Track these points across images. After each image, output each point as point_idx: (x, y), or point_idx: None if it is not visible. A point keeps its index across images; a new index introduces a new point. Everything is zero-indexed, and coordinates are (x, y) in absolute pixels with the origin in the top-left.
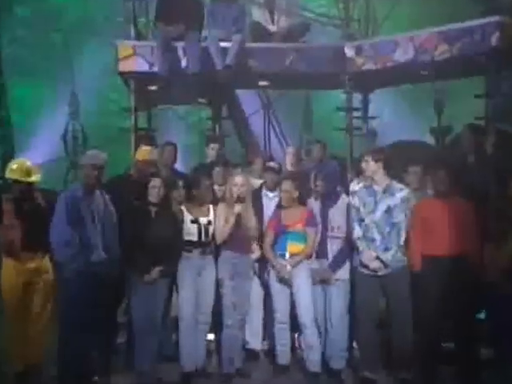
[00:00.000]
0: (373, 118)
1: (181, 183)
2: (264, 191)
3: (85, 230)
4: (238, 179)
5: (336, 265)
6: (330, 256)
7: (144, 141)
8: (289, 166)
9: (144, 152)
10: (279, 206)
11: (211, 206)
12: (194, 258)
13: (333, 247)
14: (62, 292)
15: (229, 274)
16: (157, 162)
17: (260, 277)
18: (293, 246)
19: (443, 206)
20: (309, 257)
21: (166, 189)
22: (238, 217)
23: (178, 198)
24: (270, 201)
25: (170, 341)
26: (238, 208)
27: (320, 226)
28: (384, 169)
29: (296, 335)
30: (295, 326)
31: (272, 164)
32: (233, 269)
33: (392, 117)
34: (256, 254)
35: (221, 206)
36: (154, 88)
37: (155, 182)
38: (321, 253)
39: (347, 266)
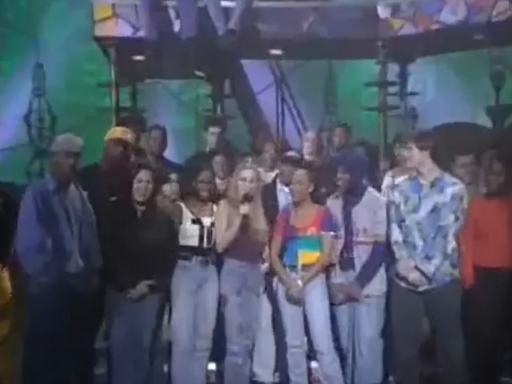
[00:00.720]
0: (413, 94)
1: (174, 176)
2: (280, 186)
3: (58, 232)
4: (247, 173)
5: (365, 277)
6: (358, 266)
7: (128, 123)
8: (307, 155)
9: (117, 130)
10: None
11: (215, 205)
12: (194, 268)
13: (360, 255)
14: (29, 311)
15: (234, 288)
16: (141, 150)
17: (268, 291)
18: (305, 255)
19: (498, 205)
20: (325, 268)
21: (156, 183)
22: (245, 219)
23: (169, 193)
24: (287, 198)
25: (161, 372)
26: (244, 208)
27: (343, 230)
28: (432, 159)
29: (314, 363)
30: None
31: (291, 154)
32: (239, 282)
33: (437, 93)
34: (266, 265)
35: (222, 205)
36: (139, 58)
37: (142, 175)
38: (346, 263)
39: (381, 277)
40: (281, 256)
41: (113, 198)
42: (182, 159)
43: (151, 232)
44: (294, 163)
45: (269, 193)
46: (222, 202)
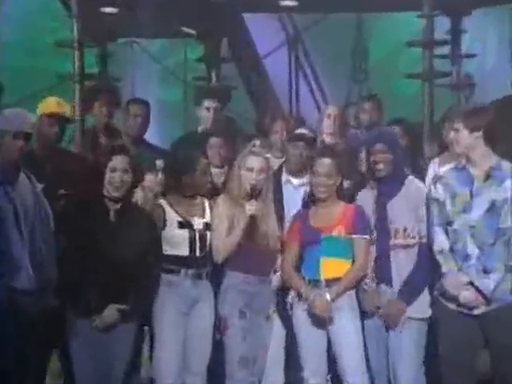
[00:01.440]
0: (468, 57)
1: (158, 164)
2: (286, 177)
3: (3, 235)
4: (254, 161)
5: (410, 293)
6: (397, 279)
7: (97, 95)
8: (327, 137)
9: (50, 102)
10: (307, 201)
11: (207, 202)
12: (182, 283)
13: (399, 263)
14: None
15: (237, 309)
16: (115, 130)
17: (280, 311)
18: (330, 265)
19: None
20: (358, 283)
21: (135, 174)
22: (252, 220)
23: (151, 187)
24: (295, 192)
25: None
26: (251, 207)
27: (375, 230)
28: (486, 142)
29: None
30: None
31: (301, 131)
32: (243, 301)
33: (499, 56)
34: (278, 279)
35: (221, 202)
36: (109, 10)
37: (117, 163)
38: (381, 274)
39: (423, 295)
40: (297, 268)
41: (61, 192)
42: (167, 143)
43: (128, 239)
44: (304, 143)
45: (272, 185)
46: (221, 199)
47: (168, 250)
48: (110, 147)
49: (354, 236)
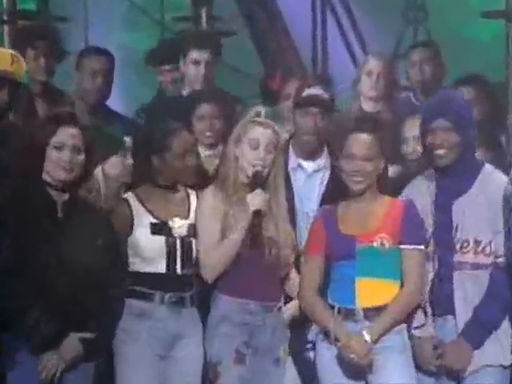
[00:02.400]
0: None
1: (127, 140)
2: (294, 159)
3: None
4: (259, 134)
5: (480, 331)
6: (462, 311)
7: (32, 41)
8: (367, 102)
9: (1, 57)
10: (332, 195)
11: (193, 196)
12: (157, 314)
13: (466, 289)
14: None
15: (233, 350)
16: (60, 93)
17: (296, 355)
18: (370, 288)
19: None
20: (410, 313)
21: (92, 154)
22: (256, 220)
23: (116, 174)
24: (308, 182)
25: None
26: (256, 200)
27: (432, 241)
28: None
29: None
30: None
31: (313, 91)
32: (243, 338)
33: None
34: (293, 307)
35: (212, 194)
36: None
37: (64, 137)
38: (439, 302)
39: (504, 333)
40: (322, 292)
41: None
42: (135, 110)
43: (81, 240)
44: (318, 105)
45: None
46: (211, 190)
47: (137, 265)
48: (53, 116)
49: (403, 247)
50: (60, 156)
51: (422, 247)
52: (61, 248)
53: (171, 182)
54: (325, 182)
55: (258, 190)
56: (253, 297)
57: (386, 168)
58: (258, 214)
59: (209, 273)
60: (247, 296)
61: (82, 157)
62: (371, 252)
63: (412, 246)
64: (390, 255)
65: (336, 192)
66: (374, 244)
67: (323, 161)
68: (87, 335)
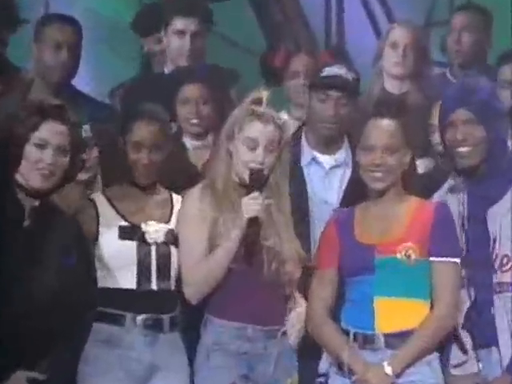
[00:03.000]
0: None
1: (86, 129)
2: (309, 152)
3: None
4: (258, 130)
5: None
6: (506, 341)
7: None
8: (391, 80)
9: None
10: (354, 198)
11: (177, 199)
12: (128, 340)
13: (507, 313)
14: None
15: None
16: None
17: None
18: (392, 310)
19: None
20: (441, 340)
21: (77, 153)
22: (253, 228)
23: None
24: (325, 179)
25: None
26: (252, 205)
27: (468, 258)
28: None
29: None
30: None
31: (333, 70)
32: (238, 370)
33: None
34: (298, 332)
35: (198, 195)
36: None
37: (48, 134)
38: (476, 330)
39: None
40: (334, 314)
41: None
42: (111, 92)
43: (48, 256)
44: (343, 93)
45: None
46: (198, 190)
47: (104, 280)
48: (37, 106)
49: (433, 259)
50: (41, 156)
51: (457, 260)
52: (22, 263)
53: (146, 180)
54: (345, 182)
55: (255, 194)
56: (251, 320)
57: (413, 162)
58: (254, 222)
59: (192, 292)
60: (244, 319)
61: (66, 159)
62: (394, 265)
63: (444, 259)
64: (418, 269)
65: (359, 194)
66: (398, 255)
67: (343, 155)
68: (37, 376)
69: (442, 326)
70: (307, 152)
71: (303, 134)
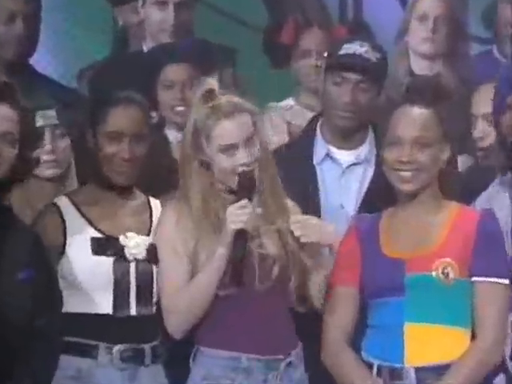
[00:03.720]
0: None
1: (50, 115)
2: (323, 146)
3: None
4: (230, 132)
5: None
6: None
7: None
8: (418, 62)
9: None
10: (377, 201)
11: (156, 204)
12: (103, 376)
13: None
14: None
15: None
16: None
17: None
18: (425, 338)
19: None
20: (484, 376)
21: (26, 144)
22: (242, 240)
23: (45, 169)
24: (342, 179)
25: None
26: (238, 216)
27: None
28: None
29: None
30: None
31: (351, 47)
32: None
33: None
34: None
35: (174, 205)
36: None
37: None
38: None
39: None
40: (354, 343)
41: None
42: (79, 75)
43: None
44: (364, 76)
45: (297, 165)
46: (172, 209)
47: (71, 303)
48: None
49: (476, 279)
50: None
51: (505, 282)
52: None
53: (122, 181)
54: (366, 183)
55: (243, 202)
56: (245, 348)
57: (453, 160)
58: (241, 235)
59: (175, 325)
60: (237, 347)
61: (13, 150)
62: (428, 285)
63: (490, 279)
64: (457, 291)
65: (383, 198)
66: (433, 273)
67: (365, 151)
68: None
69: (487, 360)
70: (321, 147)
71: (318, 125)
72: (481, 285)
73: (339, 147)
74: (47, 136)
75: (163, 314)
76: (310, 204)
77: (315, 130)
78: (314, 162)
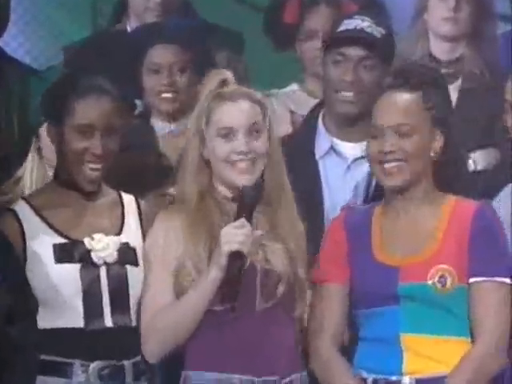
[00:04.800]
0: None
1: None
2: (326, 138)
3: None
4: (232, 115)
5: None
6: None
7: None
8: (438, 45)
9: None
10: (377, 200)
11: (129, 201)
12: None
13: None
14: None
15: None
16: None
17: None
18: (422, 349)
19: None
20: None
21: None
22: (238, 261)
23: None
24: (347, 175)
25: None
26: (235, 237)
27: None
28: None
29: None
30: None
31: (352, 22)
32: None
33: None
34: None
35: (168, 222)
36: None
37: None
38: None
39: None
40: (348, 355)
41: None
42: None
43: None
44: (369, 54)
45: (298, 161)
46: (168, 214)
47: (42, 318)
48: None
49: (473, 280)
50: None
51: (506, 280)
52: None
53: (95, 179)
54: (374, 180)
55: (240, 221)
56: (238, 369)
57: (451, 148)
58: (237, 256)
59: (151, 346)
60: (229, 368)
61: None
62: (424, 294)
63: (487, 278)
64: (455, 298)
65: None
66: (429, 282)
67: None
68: None
69: (487, 365)
70: (324, 139)
71: (320, 115)
72: (478, 285)
73: (344, 139)
74: None
75: (141, 333)
76: (312, 202)
77: (317, 120)
78: (317, 157)
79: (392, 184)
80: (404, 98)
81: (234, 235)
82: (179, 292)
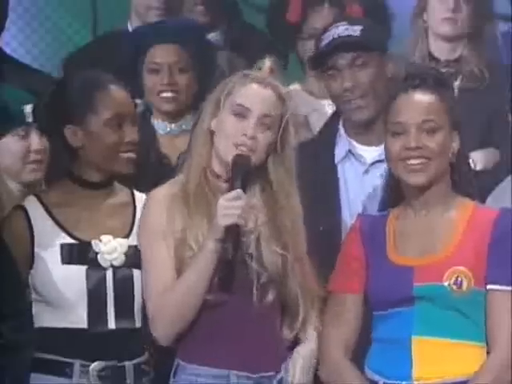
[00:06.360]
0: None
1: (28, 111)
2: (345, 141)
3: None
4: (253, 94)
5: None
6: None
7: None
8: (438, 45)
9: None
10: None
11: (138, 198)
12: None
13: None
14: None
15: None
16: None
17: None
18: (435, 353)
19: None
20: None
21: None
22: (234, 237)
23: (9, 165)
24: (365, 179)
25: None
26: (230, 209)
27: None
28: None
29: None
30: None
31: (341, 29)
32: None
33: None
34: (296, 379)
35: (163, 195)
36: None
37: None
38: None
39: None
40: (357, 358)
41: None
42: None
43: None
44: (357, 54)
45: (317, 165)
46: (164, 193)
47: (42, 317)
48: None
49: (491, 287)
50: None
51: None
52: None
53: (102, 174)
54: (392, 183)
55: (236, 192)
56: (234, 365)
57: (464, 155)
58: (232, 231)
59: (160, 329)
60: (225, 364)
61: None
62: (439, 296)
63: (506, 288)
64: (471, 302)
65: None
66: (445, 283)
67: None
68: None
69: (502, 378)
70: (343, 142)
71: (341, 119)
72: (494, 293)
73: (363, 142)
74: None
75: (148, 318)
76: (329, 206)
77: (338, 124)
78: (336, 161)
79: (417, 181)
80: (426, 97)
81: (230, 208)
82: (181, 268)
